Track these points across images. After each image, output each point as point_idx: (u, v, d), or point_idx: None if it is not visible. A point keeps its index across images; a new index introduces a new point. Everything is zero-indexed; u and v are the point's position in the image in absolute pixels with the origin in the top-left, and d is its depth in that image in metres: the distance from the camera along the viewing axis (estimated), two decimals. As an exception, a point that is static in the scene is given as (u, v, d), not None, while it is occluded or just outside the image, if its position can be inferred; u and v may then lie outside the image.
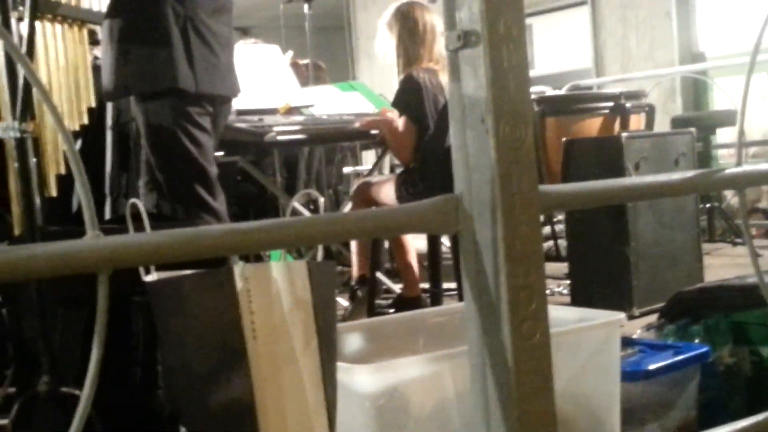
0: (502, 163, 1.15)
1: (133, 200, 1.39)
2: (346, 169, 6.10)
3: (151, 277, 1.23)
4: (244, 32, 3.61)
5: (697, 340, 2.04)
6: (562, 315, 1.67)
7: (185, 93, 2.85)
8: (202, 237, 1.05)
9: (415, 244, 4.18)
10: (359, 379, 1.36)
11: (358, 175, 6.24)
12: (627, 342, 1.91)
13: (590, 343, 1.55)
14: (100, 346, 1.03)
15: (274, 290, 1.23)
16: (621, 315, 1.62)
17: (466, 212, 1.20)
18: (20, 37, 2.15)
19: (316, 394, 1.26)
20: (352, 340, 1.69)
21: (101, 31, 3.05)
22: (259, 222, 1.05)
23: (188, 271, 1.22)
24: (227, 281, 1.20)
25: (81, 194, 0.97)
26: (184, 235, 1.04)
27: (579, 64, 8.72)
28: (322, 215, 1.11)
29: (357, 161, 6.43)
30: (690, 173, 1.45)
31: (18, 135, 1.75)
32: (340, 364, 1.31)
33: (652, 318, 3.53)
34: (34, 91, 1.86)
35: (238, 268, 1.20)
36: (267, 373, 1.23)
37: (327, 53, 6.37)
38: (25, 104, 1.77)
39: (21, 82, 1.73)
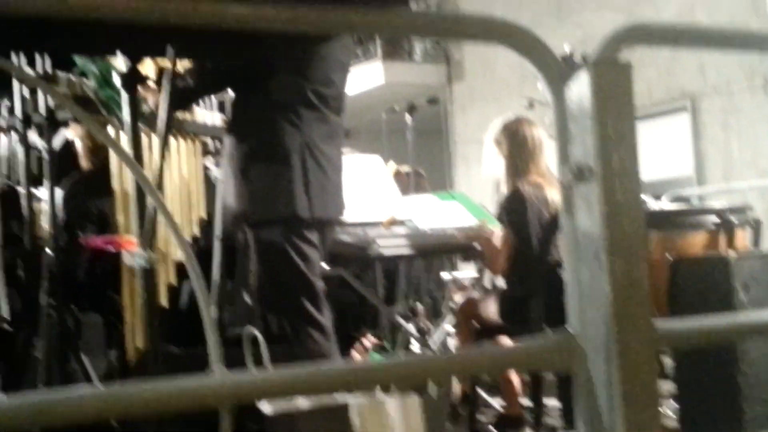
0: (617, 300, 1.14)
1: (251, 329, 1.42)
2: (444, 275, 6.10)
3: (268, 408, 1.24)
4: (346, 135, 3.68)
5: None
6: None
7: (300, 219, 2.93)
8: (322, 374, 1.07)
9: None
10: None
11: (455, 281, 6.23)
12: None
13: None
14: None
15: (389, 427, 1.23)
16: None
17: (580, 350, 1.19)
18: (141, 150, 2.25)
19: None
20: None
21: (223, 148, 3.16)
22: (380, 361, 1.06)
23: (304, 404, 1.23)
24: (343, 418, 1.21)
25: (208, 333, 1.00)
26: (305, 373, 1.06)
27: (679, 172, 8.59)
28: (441, 354, 1.12)
29: (453, 267, 6.43)
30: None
31: (146, 265, 1.82)
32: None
33: (766, 449, 3.40)
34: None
35: (355, 405, 1.21)
36: None
37: (424, 156, 6.46)
38: (152, 232, 1.84)
39: (151, 212, 1.81)
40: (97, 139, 3.54)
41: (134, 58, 2.14)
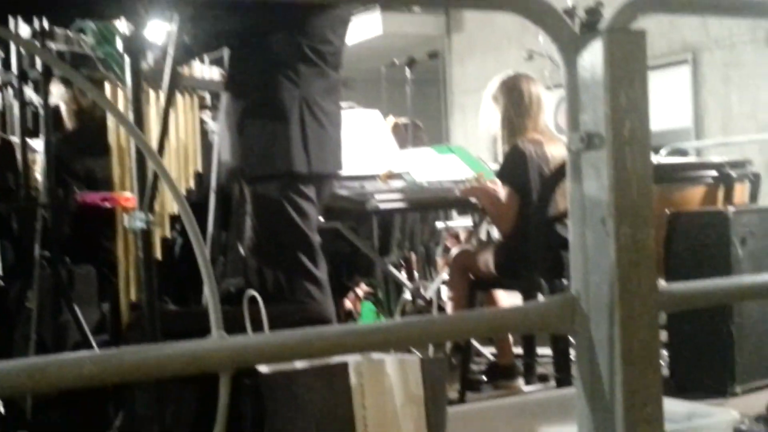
0: (622, 265, 1.13)
1: (252, 292, 1.41)
2: (438, 224, 6.11)
3: (265, 367, 1.24)
4: (344, 84, 3.66)
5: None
6: (671, 408, 1.62)
7: (298, 174, 2.91)
8: (321, 337, 1.06)
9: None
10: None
11: (448, 230, 6.22)
12: (738, 435, 1.85)
13: (704, 443, 1.50)
14: (220, 445, 1.04)
15: (388, 386, 1.23)
16: (736, 415, 1.57)
17: (583, 312, 1.18)
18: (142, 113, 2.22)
19: (425, 492, 1.25)
20: (456, 424, 1.67)
21: (220, 103, 3.14)
22: (379, 323, 1.05)
23: (302, 364, 1.22)
24: (341, 377, 1.20)
25: (209, 295, 0.99)
26: (305, 336, 1.05)
27: (678, 123, 8.56)
28: (441, 316, 1.10)
29: (448, 217, 6.42)
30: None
31: (144, 226, 1.80)
32: (449, 460, 1.29)
33: (755, 396, 3.42)
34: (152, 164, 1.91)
35: (353, 364, 1.20)
36: (378, 470, 1.22)
37: (420, 106, 6.42)
38: (152, 195, 1.82)
39: (150, 174, 1.79)
40: (83, 101, 3.51)
41: (137, 23, 2.11)
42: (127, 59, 2.02)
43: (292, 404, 1.22)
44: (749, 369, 3.60)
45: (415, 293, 4.73)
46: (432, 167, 4.48)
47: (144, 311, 1.76)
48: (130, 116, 1.90)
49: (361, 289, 5.74)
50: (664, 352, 3.94)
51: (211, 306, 0.99)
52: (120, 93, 2.88)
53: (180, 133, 3.11)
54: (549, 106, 3.97)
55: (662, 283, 1.18)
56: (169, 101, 2.12)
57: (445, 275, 4.48)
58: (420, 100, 6.59)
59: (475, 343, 4.45)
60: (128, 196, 1.96)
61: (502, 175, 3.87)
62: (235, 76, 3.03)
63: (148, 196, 1.79)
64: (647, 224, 1.14)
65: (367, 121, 4.41)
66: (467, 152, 4.80)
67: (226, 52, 3.14)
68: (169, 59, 2.20)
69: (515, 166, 3.79)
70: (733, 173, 4.10)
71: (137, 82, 2.01)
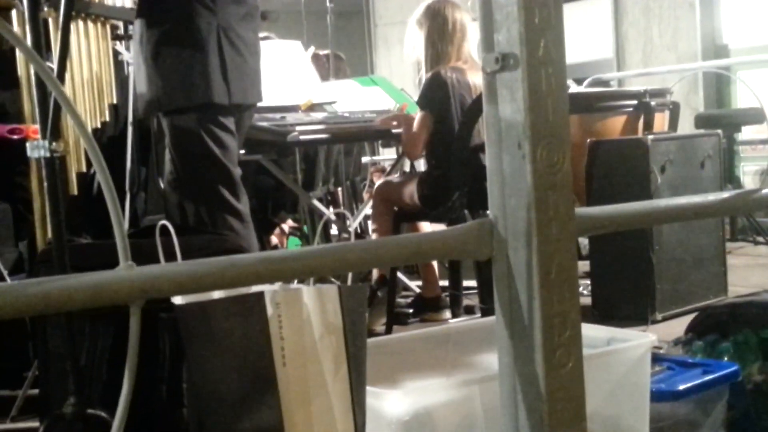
0: (538, 188, 1.12)
1: (163, 222, 1.37)
2: (364, 159, 6.09)
3: (180, 299, 1.21)
4: (263, 17, 3.57)
5: (725, 358, 2.01)
6: (591, 334, 1.64)
7: (217, 105, 2.84)
8: (235, 266, 1.03)
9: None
10: (389, 404, 1.34)
11: (374, 164, 6.21)
12: (655, 359, 1.88)
13: (621, 365, 1.52)
14: (132, 378, 1.02)
15: (305, 315, 1.21)
16: (653, 338, 1.59)
17: (500, 237, 1.17)
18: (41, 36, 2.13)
19: (345, 420, 1.25)
20: (378, 355, 1.66)
21: (133, 32, 3.03)
22: (295, 250, 1.03)
23: (218, 294, 1.20)
24: (258, 307, 1.18)
25: (114, 224, 0.95)
26: (218, 265, 1.02)
27: (600, 54, 8.63)
28: (358, 242, 1.08)
29: (374, 151, 6.40)
30: (728, 195, 1.42)
31: (47, 154, 1.74)
32: (369, 389, 1.29)
33: (675, 323, 3.51)
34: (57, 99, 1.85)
35: (269, 293, 1.18)
36: (296, 400, 1.21)
37: (344, 38, 6.35)
38: (55, 123, 1.75)
39: (51, 101, 1.72)
40: None
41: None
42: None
43: (208, 336, 1.19)
44: (669, 296, 3.69)
45: (341, 228, 4.71)
46: (355, 99, 4.44)
47: (52, 244, 1.71)
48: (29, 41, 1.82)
49: (287, 225, 5.71)
50: (587, 282, 4.01)
51: (118, 235, 0.95)
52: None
53: (93, 64, 3.00)
54: (474, 38, 3.95)
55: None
56: (67, 23, 2.01)
57: (369, 208, 4.47)
58: (343, 32, 6.52)
59: (401, 276, 4.47)
60: (37, 128, 1.88)
61: (422, 101, 3.84)
62: (148, 2, 2.91)
63: (50, 123, 1.72)
64: (563, 147, 1.13)
65: (286, 52, 4.33)
66: (391, 83, 4.77)
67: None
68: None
69: (435, 94, 3.76)
70: (653, 102, 4.15)
71: (34, 1, 1.90)
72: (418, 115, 3.81)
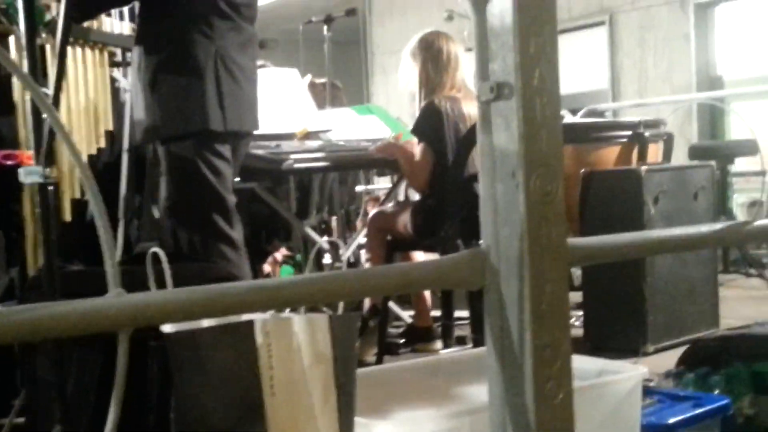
0: (531, 218, 1.12)
1: (154, 249, 1.37)
2: (358, 188, 6.09)
3: (169, 327, 1.20)
4: (262, 45, 3.59)
5: (717, 391, 2.00)
6: (583, 366, 1.63)
7: (214, 133, 2.85)
8: (225, 294, 1.03)
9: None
10: (379, 435, 1.33)
11: (369, 193, 6.21)
12: (646, 391, 1.87)
13: (612, 397, 1.52)
14: (118, 405, 1.01)
15: (295, 345, 1.21)
16: (644, 370, 1.59)
17: (493, 267, 1.17)
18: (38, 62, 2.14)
19: (334, 451, 1.24)
20: (368, 385, 1.65)
21: (131, 59, 3.04)
22: (285, 278, 1.03)
23: (207, 322, 1.19)
24: (247, 336, 1.17)
25: (105, 251, 0.95)
26: (208, 293, 1.01)
27: (595, 85, 8.67)
28: (349, 271, 1.08)
29: (369, 180, 6.40)
30: (720, 226, 1.42)
31: (41, 180, 1.73)
32: (358, 419, 1.28)
33: (667, 355, 3.49)
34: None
35: (259, 323, 1.17)
36: (284, 430, 1.20)
37: (341, 67, 6.37)
38: (49, 149, 1.75)
39: (47, 128, 1.72)
40: None
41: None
42: (20, 2, 1.92)
43: (197, 364, 1.19)
44: (661, 328, 3.68)
45: (335, 257, 4.70)
46: (350, 127, 4.45)
47: (42, 270, 1.70)
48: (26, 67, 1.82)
49: (281, 254, 5.70)
50: (579, 313, 4.00)
51: (108, 262, 0.95)
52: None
53: (89, 91, 3.01)
54: (468, 67, 3.97)
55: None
56: (64, 48, 2.02)
57: (363, 237, 4.47)
58: (341, 61, 6.54)
59: (393, 306, 4.45)
60: (31, 154, 1.88)
61: (417, 131, 3.85)
62: (147, 30, 2.92)
63: (44, 149, 1.72)
64: (557, 176, 1.13)
65: (283, 80, 4.35)
66: (386, 112, 4.78)
67: (136, 5, 3.04)
68: (64, 2, 2.08)
69: (430, 123, 3.77)
70: (647, 133, 4.17)
71: (31, 28, 1.90)
72: (417, 147, 3.82)
